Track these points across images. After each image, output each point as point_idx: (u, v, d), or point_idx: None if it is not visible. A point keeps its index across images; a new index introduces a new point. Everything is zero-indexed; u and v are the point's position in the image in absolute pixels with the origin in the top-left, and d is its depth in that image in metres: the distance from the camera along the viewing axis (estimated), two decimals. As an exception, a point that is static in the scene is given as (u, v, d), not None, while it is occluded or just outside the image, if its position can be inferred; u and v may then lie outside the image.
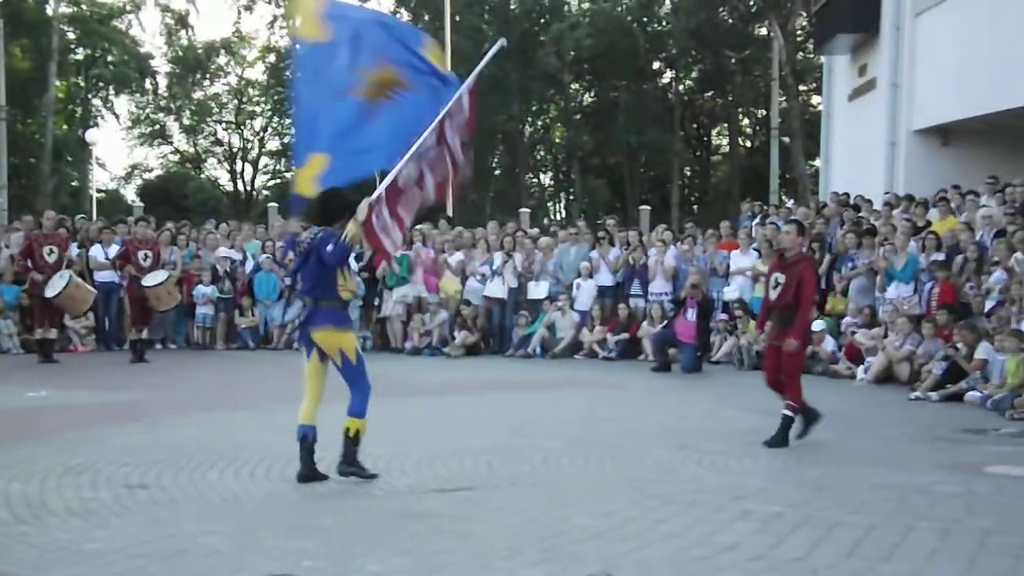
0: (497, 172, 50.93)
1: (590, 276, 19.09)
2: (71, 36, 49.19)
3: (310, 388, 7.80)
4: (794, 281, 9.53)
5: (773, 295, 9.73)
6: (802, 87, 44.56)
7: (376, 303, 19.64)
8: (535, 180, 55.27)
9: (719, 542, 6.15)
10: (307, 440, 7.69)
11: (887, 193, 20.41)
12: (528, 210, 32.05)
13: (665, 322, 17.24)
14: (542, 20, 47.18)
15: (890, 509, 6.99)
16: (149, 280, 16.86)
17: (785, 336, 9.55)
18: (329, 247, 7.45)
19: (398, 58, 7.84)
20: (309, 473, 7.68)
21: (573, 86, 49.71)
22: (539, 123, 53.09)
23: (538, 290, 19.26)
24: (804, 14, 38.88)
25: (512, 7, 48.51)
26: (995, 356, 12.86)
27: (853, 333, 15.88)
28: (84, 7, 49.59)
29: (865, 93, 24.77)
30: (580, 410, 12.12)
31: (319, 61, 7.73)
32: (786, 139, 41.66)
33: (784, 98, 40.99)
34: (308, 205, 7.81)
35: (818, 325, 16.27)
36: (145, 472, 7.99)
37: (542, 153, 54.65)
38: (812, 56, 41.63)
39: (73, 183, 50.68)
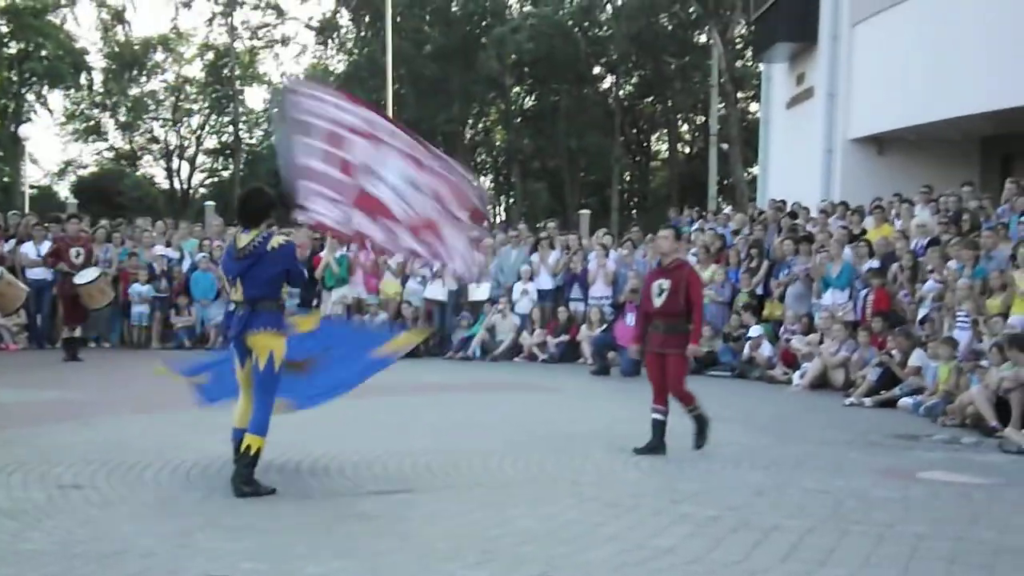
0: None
1: (530, 279, 19.12)
2: (4, 29, 48.40)
3: (245, 391, 7.56)
4: (681, 286, 9.37)
5: (658, 302, 9.46)
6: (740, 94, 45.01)
7: (315, 303, 19.50)
8: (474, 183, 55.24)
9: (658, 545, 6.17)
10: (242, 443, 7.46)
11: (823, 200, 20.64)
12: (468, 213, 32.06)
13: (605, 326, 17.30)
14: (483, 23, 47.17)
15: (826, 514, 7.06)
16: (81, 278, 16.63)
17: (673, 343, 9.41)
18: (302, 278, 7.75)
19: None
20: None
21: (514, 89, 49.78)
22: (480, 126, 53.12)
23: (479, 292, 19.24)
24: (743, 22, 39.27)
25: (454, 9, 48.46)
26: (928, 363, 13.06)
27: (788, 340, 16.05)
28: (18, 1, 48.81)
29: (803, 101, 25.03)
30: (520, 413, 12.12)
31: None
32: (725, 145, 42.05)
33: (723, 105, 41.35)
34: (241, 206, 7.76)
35: (755, 331, 16.45)
36: (79, 472, 7.86)
37: (483, 156, 54.68)
38: (751, 64, 42.04)
39: (5, 179, 49.83)
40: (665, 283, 9.50)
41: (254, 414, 7.37)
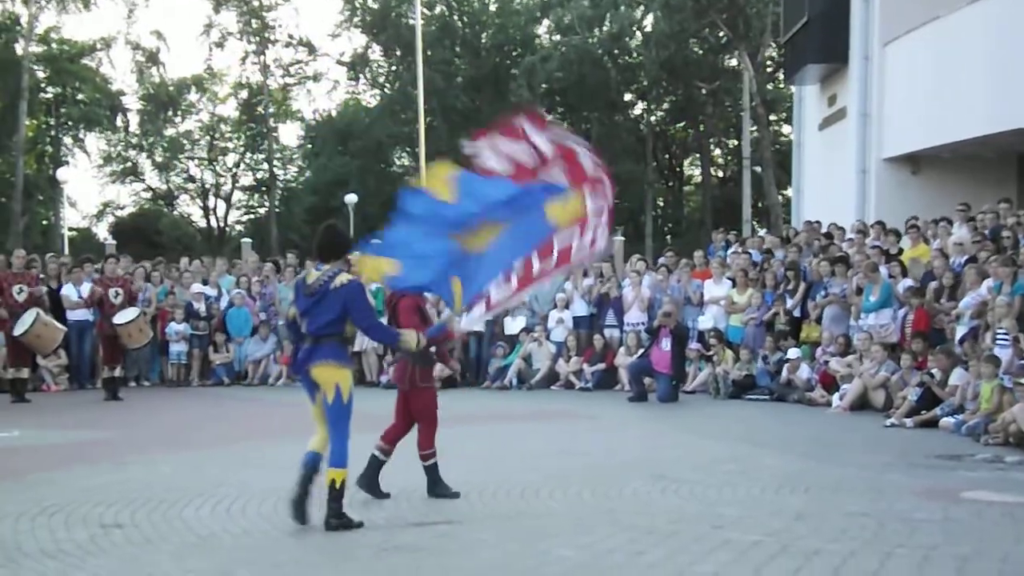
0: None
1: (565, 307, 19.12)
2: (41, 75, 49.09)
3: (321, 425, 7.58)
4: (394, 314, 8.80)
5: None
6: (772, 117, 44.98)
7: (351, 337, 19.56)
8: (509, 212, 55.39)
9: (699, 572, 6.14)
10: (308, 465, 7.42)
11: (859, 221, 20.53)
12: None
13: (641, 352, 17.25)
14: (513, 53, 47.41)
15: (868, 536, 6.99)
16: (120, 318, 16.77)
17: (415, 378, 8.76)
18: (368, 320, 7.62)
19: (504, 218, 7.98)
20: (301, 494, 7.39)
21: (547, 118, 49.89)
22: (512, 156, 53.19)
23: (514, 324, 19.26)
24: (773, 45, 39.27)
25: (483, 41, 48.76)
26: (969, 382, 12.92)
27: (827, 361, 15.94)
28: (54, 46, 49.50)
29: (835, 122, 24.96)
30: (558, 442, 12.09)
31: (430, 209, 7.85)
32: (758, 168, 41.98)
33: (755, 128, 41.36)
34: (316, 241, 7.85)
35: (793, 353, 16.34)
36: (120, 511, 7.91)
37: (515, 185, 54.76)
38: (782, 86, 42.00)
39: (44, 222, 50.43)
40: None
41: (332, 447, 7.42)
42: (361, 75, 53.66)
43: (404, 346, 7.81)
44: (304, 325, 7.56)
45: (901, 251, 17.23)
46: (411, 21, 43.21)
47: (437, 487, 8.57)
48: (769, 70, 43.88)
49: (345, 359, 7.57)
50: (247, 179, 57.20)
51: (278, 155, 55.34)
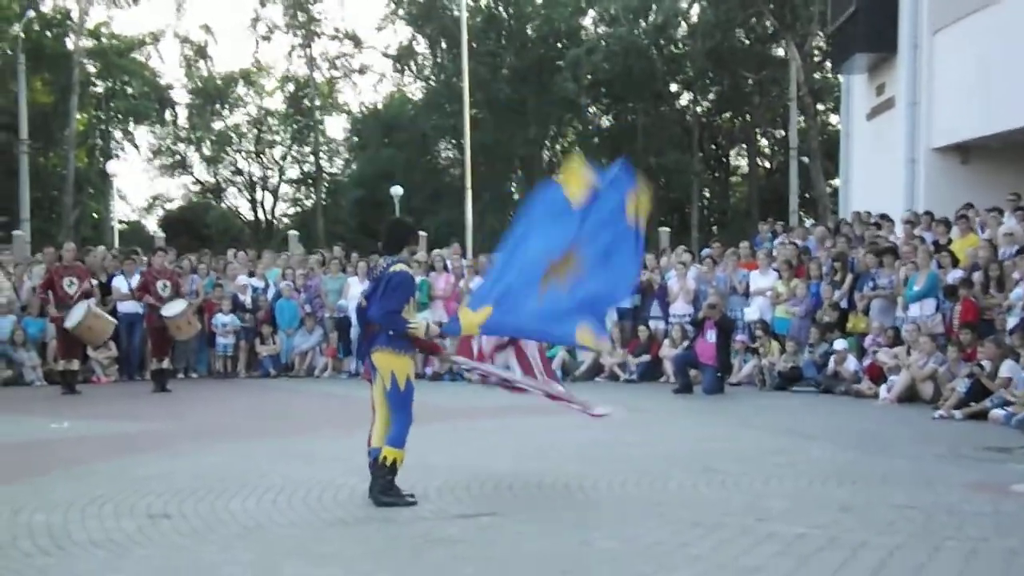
0: (516, 197, 51.02)
1: (610, 299, 19.06)
2: (91, 69, 49.58)
3: (379, 413, 7.91)
4: None
5: None
6: (820, 107, 44.65)
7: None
8: (554, 204, 55.35)
9: (744, 565, 6.12)
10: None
11: (907, 211, 20.33)
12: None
13: (686, 343, 17.19)
14: (559, 45, 47.32)
15: (916, 529, 6.94)
16: (168, 310, 16.92)
17: None
18: (387, 306, 7.68)
19: (589, 238, 8.42)
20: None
21: (591, 110, 49.85)
22: (557, 147, 53.23)
23: None
24: (821, 34, 38.97)
25: (529, 32, 48.70)
26: (1019, 373, 12.78)
27: (875, 352, 15.80)
28: (104, 40, 49.99)
29: (883, 112, 24.71)
30: (602, 433, 12.04)
31: (557, 216, 8.31)
32: (805, 159, 41.71)
33: (802, 118, 41.07)
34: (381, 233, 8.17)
35: (840, 344, 16.22)
36: (168, 502, 7.99)
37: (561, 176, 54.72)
38: (829, 76, 41.68)
39: (95, 215, 50.99)
40: None
41: (392, 428, 7.72)
42: (406, 67, 53.79)
43: (412, 333, 7.80)
44: (368, 311, 7.86)
45: (950, 241, 17.05)
46: (456, 13, 43.26)
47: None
48: (816, 59, 43.54)
49: (402, 347, 7.75)
50: (294, 172, 57.59)
51: (324, 148, 55.63)
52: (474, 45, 43.28)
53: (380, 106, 55.30)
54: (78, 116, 46.97)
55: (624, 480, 8.82)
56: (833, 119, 44.71)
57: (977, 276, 15.25)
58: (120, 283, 18.97)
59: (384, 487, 7.67)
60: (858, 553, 6.32)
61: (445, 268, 20.06)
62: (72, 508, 7.77)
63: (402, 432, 7.71)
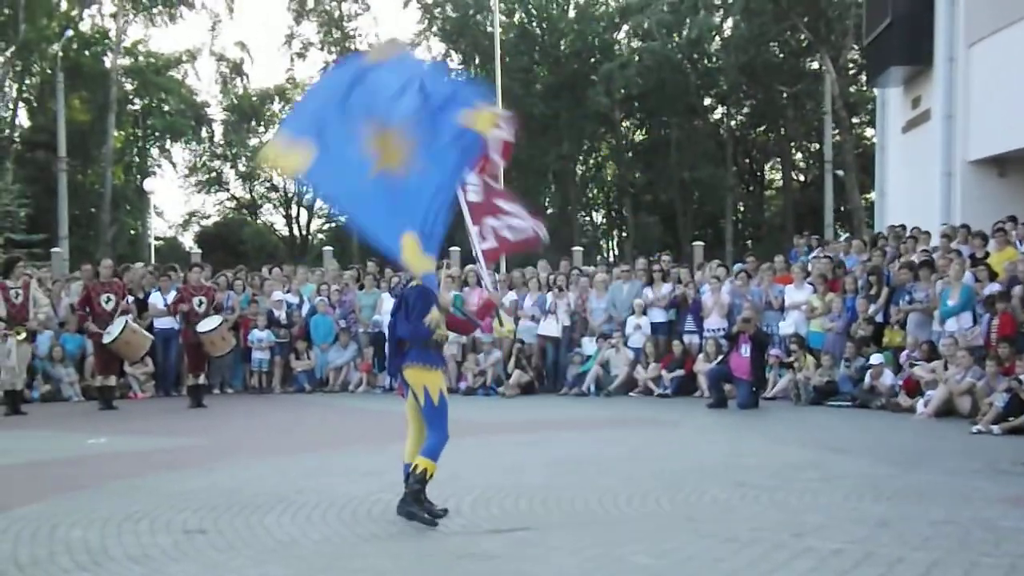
0: (549, 211, 51.03)
1: (644, 313, 19.03)
2: (128, 87, 50.07)
3: (413, 427, 7.98)
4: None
5: None
6: (855, 120, 44.43)
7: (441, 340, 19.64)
8: (587, 218, 55.36)
9: (779, 580, 6.08)
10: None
11: (944, 225, 20.20)
12: (581, 248, 32.03)
13: (720, 358, 17.13)
14: (592, 60, 47.33)
15: (953, 545, 6.88)
16: (203, 326, 17.03)
17: None
18: (413, 328, 7.68)
19: (414, 122, 7.72)
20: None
21: (624, 124, 49.80)
22: (591, 161, 53.22)
23: (548, 327, 19.41)
24: (855, 47, 38.81)
25: (562, 47, 48.74)
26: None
27: (912, 366, 15.68)
28: (141, 59, 50.48)
29: (919, 125, 24.59)
30: (635, 448, 12.05)
31: (358, 78, 7.83)
32: (840, 172, 41.50)
33: (837, 131, 40.87)
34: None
35: (876, 359, 16.12)
36: (203, 517, 8.04)
37: (594, 191, 54.73)
38: (864, 89, 41.48)
39: (132, 231, 51.39)
40: None
41: (428, 440, 7.72)
42: (440, 84, 53.92)
43: (434, 323, 7.76)
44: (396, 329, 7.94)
45: (987, 255, 16.92)
46: (490, 29, 43.38)
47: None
48: (851, 72, 43.35)
49: (432, 361, 7.79)
50: (329, 187, 57.74)
51: (359, 164, 55.80)
52: (507, 60, 43.31)
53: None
54: (115, 133, 47.42)
55: (658, 495, 8.80)
56: (868, 132, 44.46)
57: (1017, 290, 15.11)
58: (156, 299, 19.11)
59: (413, 495, 7.67)
60: (894, 569, 6.28)
61: (478, 283, 20.09)
62: (109, 524, 7.83)
63: (438, 445, 7.71)
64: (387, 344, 8.22)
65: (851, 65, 42.74)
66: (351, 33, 53.19)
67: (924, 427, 13.92)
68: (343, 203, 8.06)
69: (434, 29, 50.76)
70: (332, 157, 7.57)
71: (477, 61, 49.57)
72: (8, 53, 45.22)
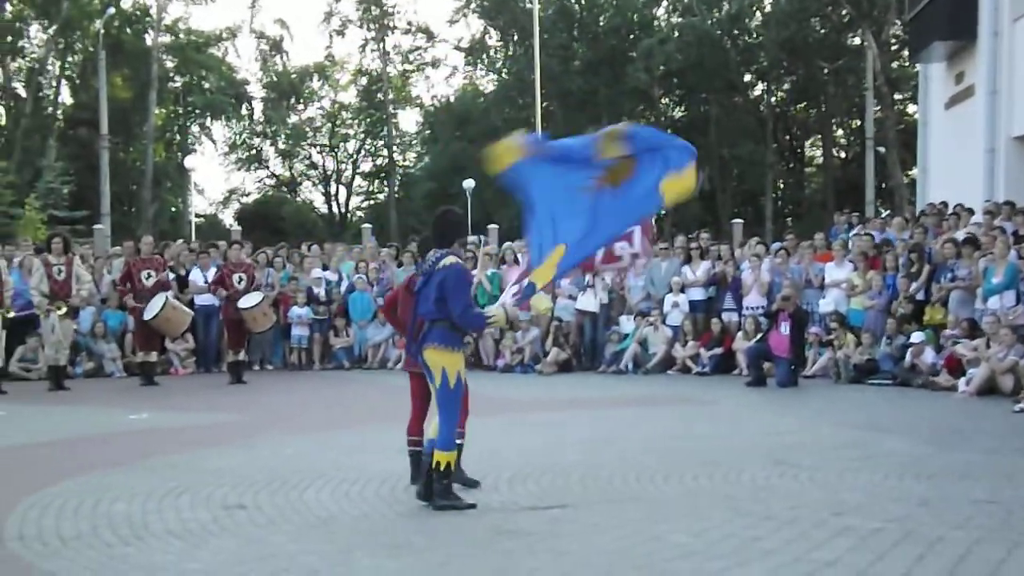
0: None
1: (682, 291, 18.96)
2: (169, 65, 50.35)
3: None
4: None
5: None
6: (897, 96, 43.99)
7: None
8: (626, 195, 55.20)
9: (818, 559, 6.05)
10: (428, 453, 7.63)
11: (987, 201, 19.98)
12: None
13: (760, 336, 17.04)
14: (631, 36, 47.10)
15: (995, 525, 6.82)
16: (244, 302, 17.12)
17: None
18: (459, 306, 7.48)
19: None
20: (428, 490, 7.57)
21: (663, 100, 49.56)
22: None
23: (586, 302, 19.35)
24: (898, 22, 38.39)
25: (600, 24, 48.54)
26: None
27: (954, 344, 15.54)
28: (181, 36, 50.73)
29: (963, 100, 24.30)
30: (673, 426, 12.02)
31: (534, 170, 7.82)
32: (881, 149, 41.15)
33: (879, 108, 40.50)
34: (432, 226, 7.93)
35: (917, 337, 15.98)
36: (243, 492, 8.10)
37: (633, 168, 54.52)
38: (907, 65, 41.05)
39: (172, 209, 51.77)
40: None
41: (439, 430, 7.50)
42: (479, 61, 53.93)
43: (495, 324, 7.75)
44: (418, 307, 7.67)
45: (1031, 232, 16.72)
46: (528, 5, 43.26)
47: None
48: (894, 48, 42.92)
49: (452, 343, 7.56)
50: (367, 165, 58.04)
51: (397, 141, 55.96)
52: (546, 37, 43.18)
53: (452, 99, 55.51)
54: (156, 111, 47.76)
55: (696, 473, 8.77)
56: (910, 108, 44.02)
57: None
58: (197, 276, 19.23)
59: (441, 492, 7.46)
60: (935, 548, 6.23)
61: (516, 261, 20.07)
62: (150, 498, 7.90)
63: (449, 433, 7.49)
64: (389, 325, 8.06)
65: (893, 40, 42.32)
66: (390, 10, 53.21)
67: (966, 406, 13.79)
68: (534, 189, 7.93)
69: (473, 6, 50.71)
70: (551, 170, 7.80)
71: (516, 38, 49.47)
72: (51, 31, 45.59)
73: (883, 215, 25.79)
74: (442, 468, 7.45)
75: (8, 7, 46.02)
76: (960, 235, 17.27)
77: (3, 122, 48.51)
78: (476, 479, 8.24)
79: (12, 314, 16.08)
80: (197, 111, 52.94)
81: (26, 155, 43.46)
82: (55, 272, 16.26)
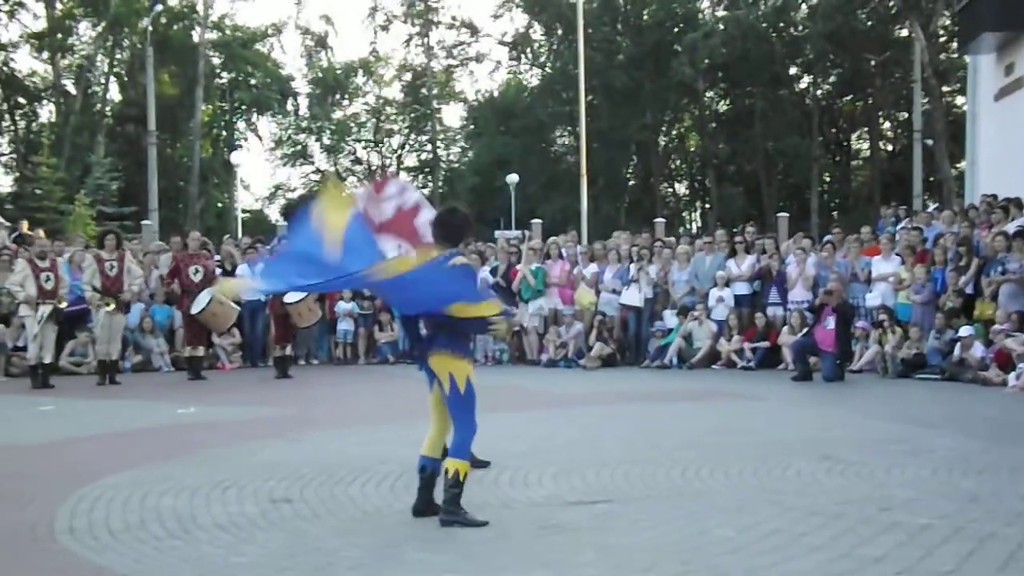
0: (632, 182, 50.79)
1: (726, 285, 18.87)
2: (216, 61, 50.69)
3: (435, 418, 7.35)
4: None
5: None
6: (945, 88, 43.52)
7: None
8: (670, 189, 55.02)
9: (865, 554, 6.00)
10: (426, 472, 7.22)
11: (1037, 194, 19.71)
12: (663, 220, 31.86)
13: (805, 330, 16.93)
14: (675, 29, 46.92)
15: (1046, 521, 6.75)
16: (290, 297, 17.21)
17: None
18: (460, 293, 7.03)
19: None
20: (423, 507, 7.18)
21: (708, 94, 49.33)
22: (673, 132, 52.81)
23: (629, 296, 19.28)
24: (946, 14, 37.99)
25: (644, 17, 48.38)
26: None
27: (1004, 339, 15.37)
28: (227, 32, 51.06)
29: (1012, 92, 24.01)
30: (718, 421, 11.97)
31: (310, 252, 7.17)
32: (929, 141, 40.71)
33: (927, 100, 40.10)
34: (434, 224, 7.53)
35: (966, 331, 15.82)
36: (289, 486, 8.14)
37: (677, 162, 54.34)
38: (955, 56, 40.60)
39: (219, 204, 52.16)
40: None
41: (454, 437, 7.13)
42: (522, 55, 53.89)
43: (495, 330, 7.54)
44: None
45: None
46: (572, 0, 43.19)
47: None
48: (942, 39, 42.45)
49: (461, 349, 7.11)
50: (411, 160, 58.16)
51: (441, 136, 56.06)
52: (589, 31, 43.09)
53: (496, 94, 55.54)
54: (203, 107, 48.11)
55: (741, 468, 8.72)
56: (959, 100, 43.58)
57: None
58: (244, 270, 19.36)
59: (452, 501, 7.00)
60: (985, 544, 6.16)
61: (560, 256, 20.08)
62: (198, 492, 7.96)
63: (465, 441, 7.06)
64: (407, 325, 7.52)
65: (941, 32, 41.88)
66: (434, 5, 53.29)
67: (1015, 401, 13.64)
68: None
69: (517, 1, 50.67)
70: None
71: (560, 32, 49.40)
72: (100, 28, 46.05)
73: (931, 208, 25.48)
74: (450, 476, 7.00)
75: (59, 5, 46.55)
76: (1011, 228, 17.07)
77: (53, 119, 49.06)
78: (486, 460, 8.26)
79: (64, 304, 16.29)
80: (243, 107, 53.28)
81: (75, 152, 43.98)
82: (107, 268, 16.43)
